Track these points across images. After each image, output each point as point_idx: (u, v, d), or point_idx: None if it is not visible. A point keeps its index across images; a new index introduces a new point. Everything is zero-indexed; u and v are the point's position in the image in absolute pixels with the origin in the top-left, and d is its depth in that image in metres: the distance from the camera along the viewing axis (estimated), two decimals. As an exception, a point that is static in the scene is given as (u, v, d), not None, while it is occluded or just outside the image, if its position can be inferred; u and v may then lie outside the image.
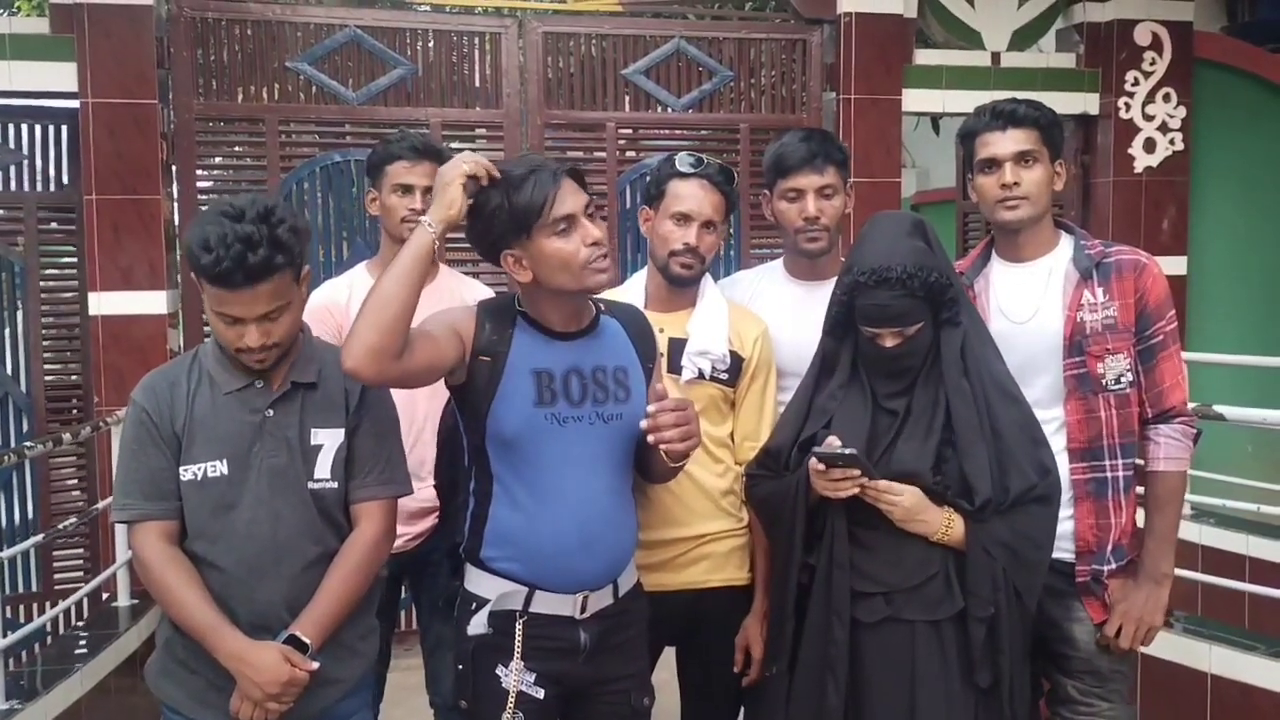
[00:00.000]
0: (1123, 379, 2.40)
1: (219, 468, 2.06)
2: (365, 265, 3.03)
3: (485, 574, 2.14)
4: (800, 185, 2.57)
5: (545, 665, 2.12)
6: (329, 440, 2.13)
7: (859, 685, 2.16)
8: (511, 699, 2.10)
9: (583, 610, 2.13)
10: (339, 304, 2.88)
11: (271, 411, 2.10)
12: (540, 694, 2.12)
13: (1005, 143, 2.44)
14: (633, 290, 2.58)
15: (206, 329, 3.95)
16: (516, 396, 2.08)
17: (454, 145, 5.11)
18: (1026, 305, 2.46)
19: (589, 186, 2.15)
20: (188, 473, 2.06)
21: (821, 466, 2.12)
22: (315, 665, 2.03)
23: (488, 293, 3.05)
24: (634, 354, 2.22)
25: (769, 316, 2.60)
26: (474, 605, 2.15)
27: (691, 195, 2.45)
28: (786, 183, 2.60)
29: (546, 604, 2.12)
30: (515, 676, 2.10)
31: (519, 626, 2.11)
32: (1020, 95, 2.61)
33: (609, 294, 2.50)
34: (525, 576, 2.11)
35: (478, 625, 2.14)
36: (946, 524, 2.14)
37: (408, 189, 2.86)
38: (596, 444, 2.12)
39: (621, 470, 2.19)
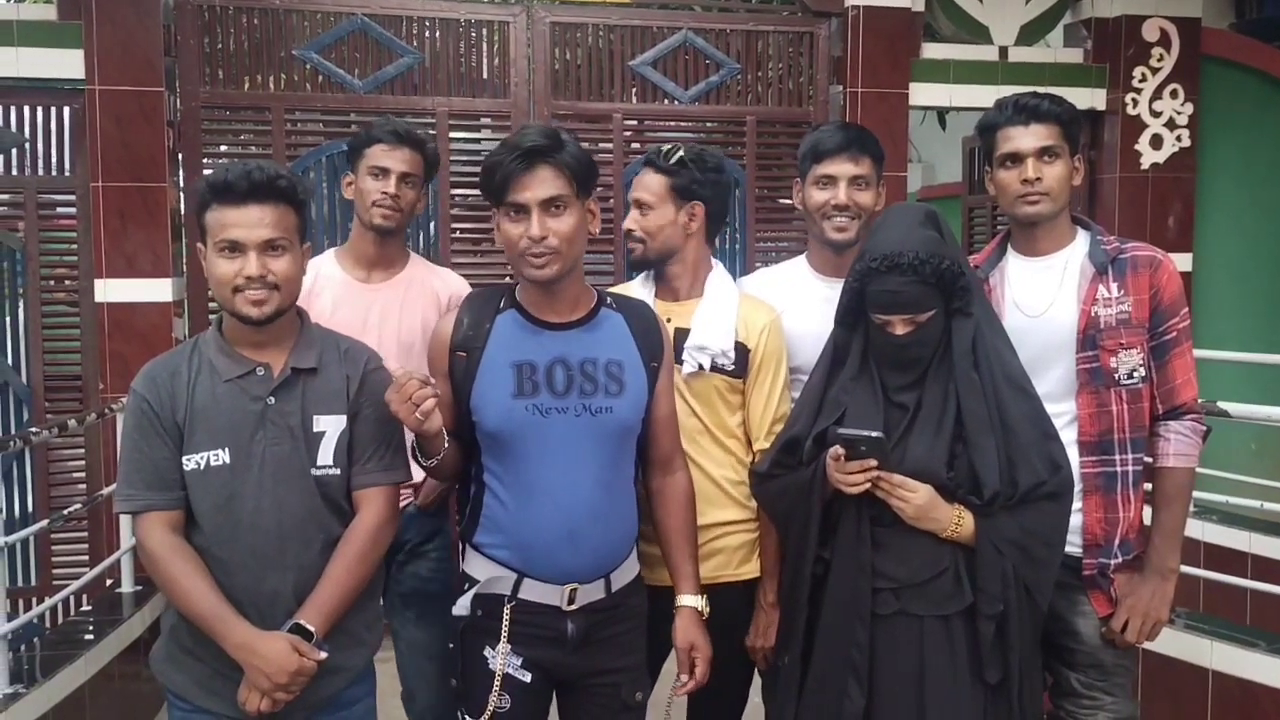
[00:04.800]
0: (1135, 374, 2.40)
1: (221, 456, 2.05)
2: (334, 252, 2.96)
3: (480, 557, 2.18)
4: (833, 172, 2.57)
5: (532, 652, 2.15)
6: (331, 427, 2.12)
7: (868, 678, 2.16)
8: (497, 681, 2.13)
9: (570, 602, 2.15)
10: (303, 288, 2.84)
11: (273, 399, 2.09)
12: (527, 678, 2.15)
13: (1027, 138, 2.43)
14: (641, 285, 2.61)
15: (211, 316, 3.94)
16: (494, 389, 2.11)
17: (460, 135, 5.12)
18: (1041, 299, 2.46)
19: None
20: (190, 462, 2.06)
21: (840, 452, 2.11)
22: (324, 655, 2.03)
23: (460, 282, 2.98)
24: (634, 349, 2.22)
25: (796, 312, 2.59)
26: (467, 586, 2.19)
27: (637, 183, 2.55)
28: (820, 169, 2.60)
29: (534, 592, 2.14)
30: (501, 659, 2.13)
31: (506, 611, 2.13)
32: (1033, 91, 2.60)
33: (620, 288, 2.52)
34: (514, 564, 2.14)
35: (461, 607, 2.18)
36: (956, 521, 2.13)
37: (384, 171, 2.81)
38: (583, 437, 2.13)
39: (613, 465, 2.19)
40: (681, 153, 2.51)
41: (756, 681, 2.61)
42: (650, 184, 2.51)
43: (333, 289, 2.84)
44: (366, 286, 2.86)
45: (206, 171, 4.73)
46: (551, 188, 2.07)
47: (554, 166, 2.08)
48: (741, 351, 2.48)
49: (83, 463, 4.68)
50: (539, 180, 2.07)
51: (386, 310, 2.83)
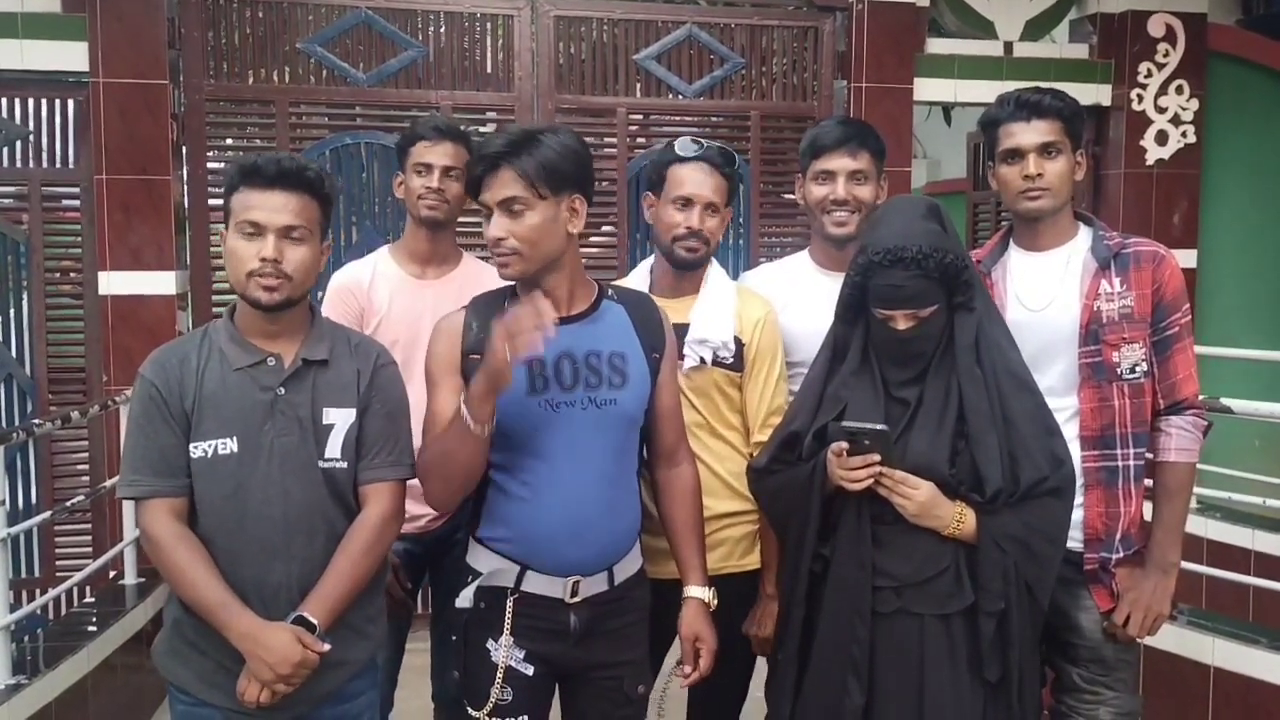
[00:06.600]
0: (1137, 368, 2.40)
1: (229, 445, 2.05)
2: (388, 249, 2.99)
3: (484, 550, 2.18)
4: (832, 167, 2.57)
5: (535, 645, 2.16)
6: (340, 420, 2.12)
7: (868, 676, 2.15)
8: (500, 673, 2.14)
9: (573, 594, 2.15)
10: (361, 286, 2.85)
11: (283, 390, 2.09)
12: (529, 670, 2.16)
13: (1029, 134, 2.43)
14: (638, 277, 2.60)
15: (216, 309, 3.95)
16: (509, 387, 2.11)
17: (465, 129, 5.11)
18: (1043, 293, 2.46)
19: (586, 172, 2.15)
20: (197, 450, 2.05)
21: (845, 445, 2.10)
22: (326, 647, 2.03)
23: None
24: (635, 341, 2.22)
25: (799, 307, 2.59)
26: (469, 578, 2.19)
27: (692, 179, 2.47)
28: (819, 164, 2.60)
29: (537, 584, 2.15)
30: (504, 652, 2.14)
31: (509, 604, 2.14)
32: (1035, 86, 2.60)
33: (617, 280, 2.52)
34: (518, 557, 2.15)
35: (465, 599, 2.19)
36: (958, 518, 2.12)
37: (427, 168, 2.85)
38: (589, 429, 2.13)
39: (618, 457, 2.20)
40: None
41: (758, 676, 2.62)
42: (717, 186, 2.48)
43: (389, 284, 2.87)
44: (422, 283, 2.89)
45: (214, 165, 4.77)
46: (509, 189, 2.07)
47: (513, 169, 2.07)
48: (737, 345, 2.48)
49: (86, 455, 4.69)
50: (499, 183, 2.08)
51: (440, 306, 2.83)
